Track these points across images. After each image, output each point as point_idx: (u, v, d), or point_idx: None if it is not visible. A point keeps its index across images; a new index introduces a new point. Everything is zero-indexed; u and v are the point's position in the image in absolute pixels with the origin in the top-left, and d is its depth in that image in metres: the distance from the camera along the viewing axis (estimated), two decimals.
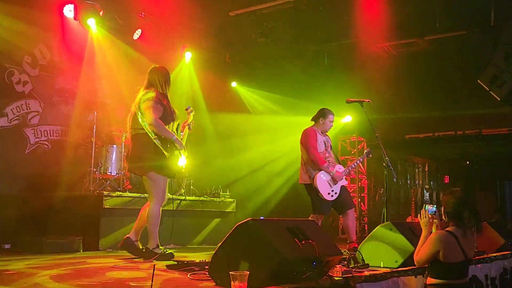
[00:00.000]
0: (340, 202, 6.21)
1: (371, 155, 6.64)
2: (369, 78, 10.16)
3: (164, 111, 5.09)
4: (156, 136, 5.01)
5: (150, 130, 5.01)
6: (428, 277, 3.93)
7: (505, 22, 8.28)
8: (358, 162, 6.62)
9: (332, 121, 6.40)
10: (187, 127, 5.77)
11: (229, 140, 11.16)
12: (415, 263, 4.00)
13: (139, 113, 5.04)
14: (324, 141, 6.34)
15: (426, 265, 3.95)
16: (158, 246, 5.06)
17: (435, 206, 4.11)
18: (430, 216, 4.02)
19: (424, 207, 4.06)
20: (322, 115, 6.35)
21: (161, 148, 5.01)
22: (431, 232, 3.96)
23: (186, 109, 6.59)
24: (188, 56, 10.07)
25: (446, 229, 3.88)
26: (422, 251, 3.87)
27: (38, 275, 3.92)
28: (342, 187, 6.28)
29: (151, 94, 5.07)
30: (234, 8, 9.06)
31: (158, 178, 5.08)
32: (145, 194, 6.10)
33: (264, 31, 9.58)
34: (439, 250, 3.77)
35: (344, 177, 6.29)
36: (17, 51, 8.05)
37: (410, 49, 10.66)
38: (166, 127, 5.11)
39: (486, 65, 8.65)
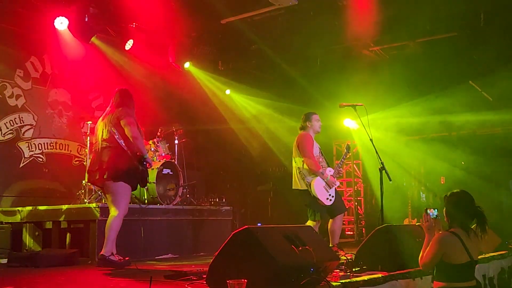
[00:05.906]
0: (334, 206, 6.25)
1: (350, 148, 6.73)
2: (362, 82, 10.19)
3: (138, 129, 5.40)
4: (128, 150, 5.27)
5: (124, 144, 5.27)
6: (434, 281, 3.86)
7: (496, 23, 8.34)
8: (343, 160, 6.64)
9: (319, 120, 6.42)
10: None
11: (224, 147, 11.14)
12: (421, 268, 3.92)
13: (113, 129, 5.29)
14: (317, 146, 6.38)
15: (432, 269, 3.89)
16: (113, 254, 5.19)
17: (436, 209, 4.03)
18: (432, 219, 3.93)
19: (425, 211, 3.99)
20: (306, 119, 6.40)
21: (135, 161, 5.29)
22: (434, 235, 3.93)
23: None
24: (186, 65, 10.11)
25: (449, 230, 3.85)
26: (427, 254, 3.81)
27: None
28: (335, 190, 6.35)
29: (127, 111, 5.38)
30: (226, 16, 9.07)
31: (127, 189, 5.30)
32: (142, 205, 6.10)
33: (255, 38, 9.60)
34: (443, 251, 3.72)
35: (336, 179, 6.34)
36: (9, 65, 8.04)
37: (401, 52, 10.71)
38: None
39: (478, 66, 8.71)
